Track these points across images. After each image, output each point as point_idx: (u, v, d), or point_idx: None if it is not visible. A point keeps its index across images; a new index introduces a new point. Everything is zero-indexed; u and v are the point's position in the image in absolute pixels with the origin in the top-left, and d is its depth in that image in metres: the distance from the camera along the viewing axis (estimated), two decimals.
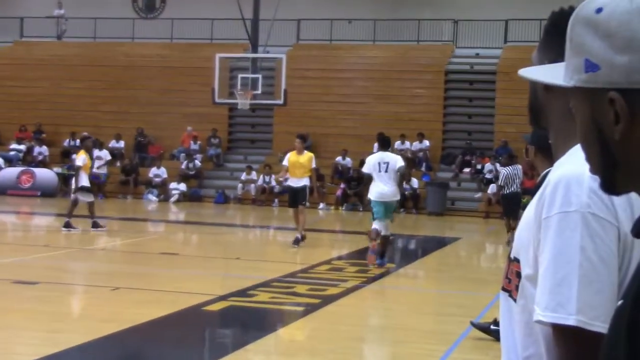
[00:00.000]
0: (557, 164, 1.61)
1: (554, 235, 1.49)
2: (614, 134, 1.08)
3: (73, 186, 15.81)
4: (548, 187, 1.53)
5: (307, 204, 15.01)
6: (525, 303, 1.62)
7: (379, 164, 12.44)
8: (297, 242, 14.73)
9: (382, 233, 12.43)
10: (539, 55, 1.72)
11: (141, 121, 27.98)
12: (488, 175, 24.53)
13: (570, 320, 1.43)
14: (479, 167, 25.08)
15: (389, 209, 12.52)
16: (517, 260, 1.66)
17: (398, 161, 12.47)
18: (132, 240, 15.27)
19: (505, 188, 16.44)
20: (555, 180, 1.52)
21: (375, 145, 25.78)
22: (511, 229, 15.93)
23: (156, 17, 32.24)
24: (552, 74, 1.23)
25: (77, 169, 15.59)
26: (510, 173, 16.61)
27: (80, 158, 15.61)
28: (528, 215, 1.62)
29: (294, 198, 14.89)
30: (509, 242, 16.86)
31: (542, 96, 1.71)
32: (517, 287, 1.66)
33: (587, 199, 1.48)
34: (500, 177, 16.68)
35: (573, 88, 1.14)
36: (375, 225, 12.38)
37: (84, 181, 15.57)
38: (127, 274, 11.11)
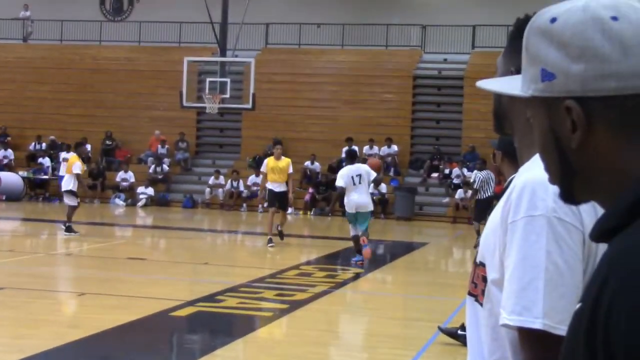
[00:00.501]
0: (521, 169, 1.62)
1: (520, 239, 1.50)
2: (571, 142, 1.09)
3: (65, 189, 16.13)
4: (514, 191, 1.54)
5: (289, 209, 15.48)
6: (491, 307, 1.63)
7: (352, 177, 13.07)
8: (280, 235, 15.49)
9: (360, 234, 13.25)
10: (504, 61, 1.74)
11: (108, 125, 27.77)
12: (456, 181, 24.67)
13: (537, 324, 1.44)
14: (447, 172, 25.23)
15: (364, 218, 13.32)
16: (483, 265, 1.67)
17: (370, 172, 13.15)
18: (99, 245, 15.12)
19: (481, 192, 16.75)
20: (521, 184, 1.54)
21: (344, 149, 25.89)
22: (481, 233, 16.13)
23: (124, 19, 32.03)
24: (510, 85, 1.24)
25: (77, 176, 15.99)
26: (485, 177, 16.91)
27: (76, 165, 15.92)
28: (494, 219, 1.64)
29: (278, 201, 15.40)
30: (477, 246, 17.25)
31: (506, 102, 1.73)
32: (483, 292, 1.67)
33: (553, 204, 1.49)
34: (477, 182, 16.96)
35: (530, 98, 1.15)
36: (353, 231, 13.44)
37: (73, 185, 15.91)
38: (93, 279, 11.01)
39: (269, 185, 15.48)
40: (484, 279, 1.65)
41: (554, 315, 1.44)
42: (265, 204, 16.92)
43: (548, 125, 1.13)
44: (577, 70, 1.07)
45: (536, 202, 1.50)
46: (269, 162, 15.54)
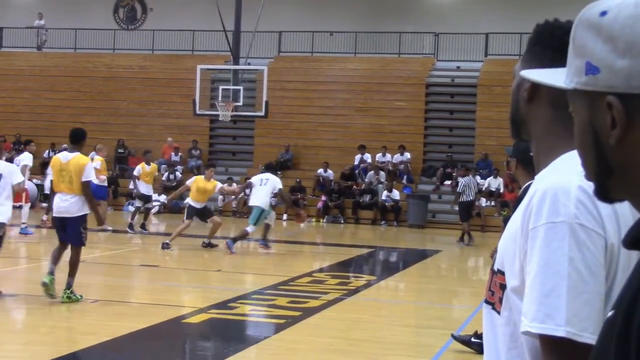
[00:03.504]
0: (539, 176, 1.60)
1: (542, 245, 1.47)
2: (610, 139, 1.07)
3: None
4: (535, 197, 1.52)
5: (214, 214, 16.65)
6: (509, 315, 1.60)
7: (261, 179, 15.64)
8: (209, 245, 16.22)
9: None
10: (523, 67, 1.72)
11: (122, 132, 27.87)
12: None
13: (560, 332, 1.41)
14: (475, 180, 25.15)
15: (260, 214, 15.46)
16: (501, 273, 1.64)
17: (277, 183, 15.59)
18: (112, 252, 15.16)
19: (463, 196, 18.75)
20: (542, 190, 1.51)
21: (357, 157, 25.92)
22: (466, 232, 18.93)
23: (137, 28, 32.17)
24: (554, 77, 1.23)
25: (134, 179, 18.61)
26: (467, 182, 18.91)
27: (137, 169, 18.55)
28: (513, 226, 1.61)
29: (198, 215, 16.52)
30: (462, 242, 18.21)
31: (524, 108, 1.70)
32: (500, 300, 1.64)
33: (575, 210, 1.47)
34: (460, 186, 18.97)
35: (573, 91, 1.14)
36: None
37: (144, 190, 18.74)
38: (106, 286, 11.02)
39: (191, 202, 16.25)
40: (502, 287, 1.63)
41: (577, 323, 1.42)
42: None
43: (588, 120, 1.12)
44: (623, 65, 1.06)
45: (558, 208, 1.48)
46: (197, 181, 16.36)
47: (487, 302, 1.71)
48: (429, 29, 28.87)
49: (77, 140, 9.60)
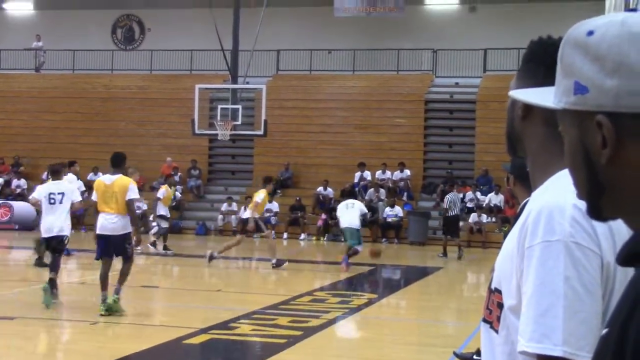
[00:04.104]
0: (535, 194, 1.60)
1: (537, 264, 1.48)
2: (600, 158, 1.08)
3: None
4: (530, 216, 1.52)
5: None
6: (507, 334, 1.60)
7: (347, 204, 16.55)
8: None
9: None
10: (517, 84, 1.73)
11: None
12: (469, 204, 24.58)
13: (557, 351, 1.41)
14: (460, 196, 25.14)
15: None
16: (498, 291, 1.64)
17: (363, 207, 16.86)
18: (111, 273, 15.10)
19: (449, 211, 19.59)
20: (538, 209, 1.52)
21: (357, 174, 25.93)
22: (447, 246, 19.71)
23: (135, 48, 32.27)
24: (543, 96, 1.23)
25: (157, 201, 19.49)
26: (453, 198, 19.78)
27: (161, 191, 19.45)
28: (509, 245, 1.61)
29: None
30: (444, 256, 18.44)
31: (518, 125, 1.71)
32: (498, 318, 1.64)
33: (570, 228, 1.47)
34: (445, 201, 19.86)
35: (562, 110, 1.14)
36: None
37: (163, 211, 19.42)
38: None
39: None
40: (500, 305, 1.63)
41: (573, 342, 1.42)
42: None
43: (578, 139, 1.12)
44: (611, 85, 1.06)
45: (553, 227, 1.48)
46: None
47: (485, 320, 1.71)
48: (427, 45, 28.97)
49: (118, 163, 10.53)
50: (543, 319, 1.44)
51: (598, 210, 1.11)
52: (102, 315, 9.80)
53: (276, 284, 14.56)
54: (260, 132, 23.20)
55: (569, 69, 1.12)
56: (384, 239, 24.24)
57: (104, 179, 10.47)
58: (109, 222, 10.17)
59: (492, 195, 24.29)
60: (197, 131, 23.33)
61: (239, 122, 23.11)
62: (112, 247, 10.23)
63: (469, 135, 27.09)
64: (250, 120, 24.71)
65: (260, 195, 16.59)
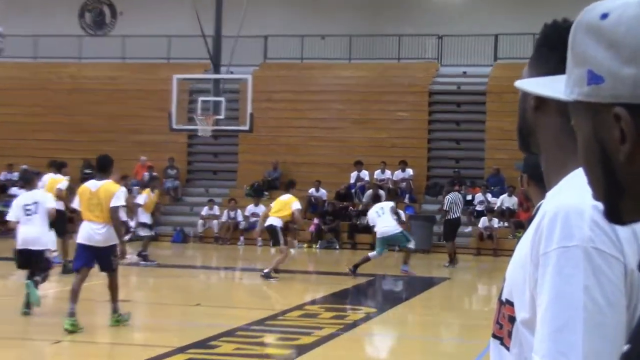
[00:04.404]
0: (550, 194, 1.60)
1: (554, 273, 1.47)
2: (619, 154, 1.07)
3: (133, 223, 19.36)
4: (545, 219, 1.52)
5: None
6: (520, 351, 1.59)
7: (377, 212, 17.29)
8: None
9: None
10: (529, 72, 1.73)
11: (88, 151, 27.79)
12: (479, 207, 24.63)
13: None
14: (469, 198, 25.19)
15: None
16: (509, 303, 1.63)
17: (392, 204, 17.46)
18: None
19: (450, 213, 19.98)
20: (553, 211, 1.51)
21: (354, 174, 25.96)
22: (454, 253, 20.02)
23: (106, 34, 32.24)
24: (552, 87, 1.22)
25: (136, 208, 19.37)
26: (454, 199, 20.14)
27: (142, 197, 19.31)
28: (522, 251, 1.60)
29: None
30: (452, 264, 18.57)
31: (531, 117, 1.70)
32: (510, 334, 1.64)
33: (590, 232, 1.46)
34: (446, 203, 20.18)
35: (575, 103, 1.14)
36: None
37: (145, 219, 19.39)
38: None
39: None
40: (511, 319, 1.62)
41: None
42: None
43: (593, 134, 1.12)
44: (629, 73, 1.06)
45: (571, 231, 1.47)
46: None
47: (494, 336, 1.71)
48: (431, 30, 29.02)
49: (105, 167, 10.66)
50: (560, 334, 1.43)
51: (617, 212, 1.11)
52: (66, 330, 9.84)
53: (262, 297, 14.55)
54: (246, 128, 23.18)
55: (582, 56, 1.11)
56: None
57: (89, 185, 10.64)
58: (95, 232, 10.32)
59: (504, 197, 24.33)
60: (174, 126, 23.29)
61: (222, 117, 23.07)
62: (95, 259, 10.44)
63: (479, 130, 27.14)
64: (234, 114, 24.69)
65: (296, 203, 16.81)
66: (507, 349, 1.64)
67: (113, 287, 10.53)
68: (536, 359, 1.45)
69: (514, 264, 1.62)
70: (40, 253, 11.24)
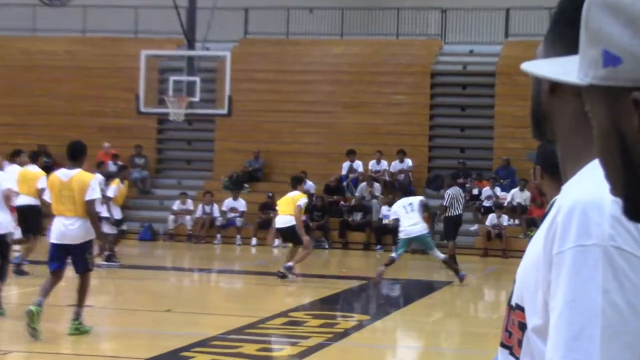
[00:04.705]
0: (566, 187, 1.60)
1: (569, 275, 1.47)
2: (639, 145, 1.08)
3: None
4: (560, 214, 1.52)
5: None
6: None
7: (404, 207, 17.08)
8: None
9: None
10: (545, 50, 1.73)
11: (44, 136, 27.76)
12: (487, 203, 24.70)
13: None
14: (475, 192, 25.26)
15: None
16: (520, 308, 1.64)
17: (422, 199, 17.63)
18: (33, 289, 15.06)
19: (450, 209, 20.04)
20: (569, 205, 1.51)
21: (346, 164, 25.99)
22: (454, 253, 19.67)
23: (64, 3, 32.09)
24: (564, 69, 1.23)
25: (108, 202, 18.84)
26: (454, 194, 20.19)
27: (112, 189, 18.89)
28: (534, 250, 1.61)
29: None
30: (454, 270, 18.65)
31: (546, 100, 1.71)
32: (519, 343, 1.65)
33: (610, 229, 1.47)
34: (446, 198, 20.21)
35: (589, 87, 1.14)
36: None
37: (116, 214, 19.13)
38: (24, 333, 10.94)
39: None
40: (522, 326, 1.63)
41: None
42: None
43: (610, 122, 1.12)
44: None
45: (589, 228, 1.48)
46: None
47: (503, 345, 1.72)
48: (434, 3, 29.04)
49: (77, 155, 10.64)
50: (576, 342, 1.43)
51: (638, 210, 1.11)
52: (28, 326, 9.90)
53: (241, 303, 14.56)
54: (224, 111, 23.17)
55: (596, 35, 1.11)
56: (378, 246, 24.30)
57: (59, 175, 10.67)
58: (67, 228, 10.38)
59: (515, 191, 24.40)
60: (142, 109, 23.26)
61: (197, 99, 23.05)
62: (67, 258, 10.50)
63: (487, 116, 27.19)
64: (210, 96, 24.66)
65: (303, 199, 17.02)
66: (517, 359, 1.65)
67: (82, 290, 10.52)
68: None
69: (525, 264, 1.63)
70: (2, 238, 11.27)
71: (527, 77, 1.34)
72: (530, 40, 26.81)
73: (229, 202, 25.14)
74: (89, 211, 10.41)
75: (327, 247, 24.35)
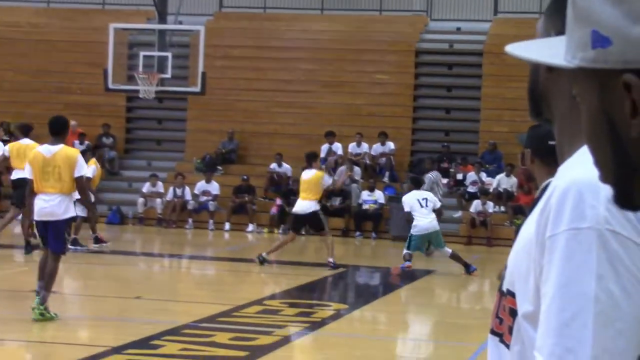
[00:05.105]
0: (562, 168, 1.61)
1: (562, 259, 1.48)
2: (630, 130, 1.08)
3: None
4: (553, 196, 1.53)
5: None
6: (522, 349, 1.62)
7: (418, 200, 17.05)
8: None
9: None
10: (545, 26, 1.73)
11: (7, 113, 27.59)
12: (471, 189, 24.75)
13: None
14: (459, 177, 25.31)
15: None
16: (511, 294, 1.65)
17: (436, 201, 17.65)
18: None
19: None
20: (564, 187, 1.52)
21: (324, 147, 25.96)
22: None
23: None
24: (551, 51, 1.22)
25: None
26: (436, 179, 20.49)
27: (91, 168, 17.96)
28: (526, 234, 1.62)
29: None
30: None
31: (544, 79, 1.72)
32: (510, 330, 1.66)
33: (606, 212, 1.47)
34: (427, 182, 20.06)
35: (577, 69, 1.14)
36: None
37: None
38: None
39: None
40: (513, 312, 1.64)
41: None
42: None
43: (599, 106, 1.12)
44: None
45: (583, 211, 1.48)
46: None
47: (493, 332, 1.73)
48: None
49: (59, 130, 10.84)
50: (568, 329, 1.44)
51: (629, 197, 1.12)
52: (34, 309, 10.21)
53: (214, 290, 14.55)
54: (197, 89, 23.09)
55: (585, 14, 1.11)
56: (357, 233, 24.34)
57: (41, 151, 10.83)
58: (48, 204, 10.55)
59: (501, 177, 24.46)
60: (111, 86, 23.15)
61: (168, 76, 22.95)
62: (47, 235, 10.66)
63: (473, 97, 27.21)
64: (183, 72, 24.56)
65: (325, 177, 17.09)
66: (508, 346, 1.66)
67: (51, 274, 10.58)
68: (539, 357, 1.45)
69: (518, 248, 1.64)
70: None
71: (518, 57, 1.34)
72: (520, 18, 26.84)
73: (201, 185, 25.07)
74: (81, 188, 10.69)
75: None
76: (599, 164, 1.15)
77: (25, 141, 16.33)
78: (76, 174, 10.59)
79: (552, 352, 1.44)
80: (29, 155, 11.51)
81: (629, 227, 1.48)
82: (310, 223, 17.13)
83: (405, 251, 16.88)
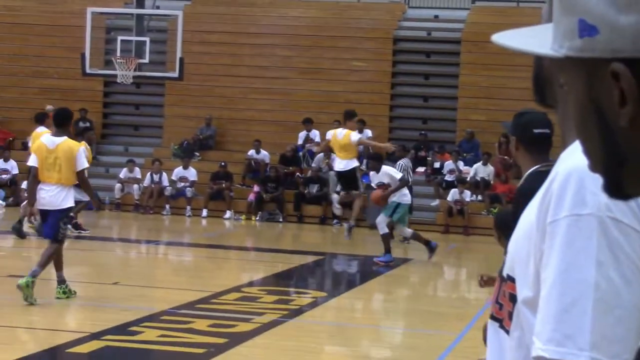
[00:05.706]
0: (564, 154, 1.61)
1: (562, 245, 1.48)
2: (619, 118, 1.07)
3: None
4: (555, 182, 1.53)
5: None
6: (521, 335, 1.62)
7: None
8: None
9: None
10: (549, 10, 1.73)
11: None
12: (449, 177, 24.81)
13: (582, 358, 1.42)
14: (436, 165, 25.36)
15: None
16: (511, 279, 1.66)
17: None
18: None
19: None
20: (565, 173, 1.52)
21: (302, 134, 25.97)
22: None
23: None
24: (539, 40, 1.22)
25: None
26: (407, 166, 20.30)
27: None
28: (526, 220, 1.63)
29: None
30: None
31: (548, 64, 1.72)
32: (510, 315, 1.66)
33: (607, 199, 1.48)
34: (398, 169, 19.31)
35: (564, 59, 1.13)
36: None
37: None
38: None
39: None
40: (512, 298, 1.64)
41: (605, 347, 1.42)
42: None
43: (588, 95, 1.11)
44: (627, 22, 1.05)
45: (585, 197, 1.49)
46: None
47: (493, 317, 1.73)
48: None
49: (63, 121, 11.14)
50: (567, 315, 1.44)
51: (618, 186, 1.12)
52: (58, 298, 10.83)
53: (192, 277, 14.54)
54: (174, 75, 23.03)
55: (571, 3, 1.10)
56: (335, 221, 24.34)
57: (45, 142, 11.04)
58: (47, 193, 10.81)
59: (478, 165, 24.51)
60: (88, 70, 23.06)
61: (146, 61, 22.88)
62: (46, 223, 11.01)
63: (451, 85, 27.25)
64: (160, 58, 24.47)
65: (353, 134, 17.42)
66: (507, 332, 1.66)
67: (48, 254, 10.93)
68: (537, 343, 1.46)
69: (518, 234, 1.64)
70: None
71: (494, 45, 1.32)
72: (498, 7, 26.90)
73: (178, 171, 25.03)
74: (82, 180, 11.01)
75: (281, 220, 24.36)
76: (588, 153, 1.15)
77: (40, 129, 16.49)
78: (78, 168, 10.88)
79: (551, 338, 1.45)
80: (34, 145, 11.68)
81: (630, 215, 1.49)
82: (347, 181, 17.36)
83: (386, 219, 16.75)
